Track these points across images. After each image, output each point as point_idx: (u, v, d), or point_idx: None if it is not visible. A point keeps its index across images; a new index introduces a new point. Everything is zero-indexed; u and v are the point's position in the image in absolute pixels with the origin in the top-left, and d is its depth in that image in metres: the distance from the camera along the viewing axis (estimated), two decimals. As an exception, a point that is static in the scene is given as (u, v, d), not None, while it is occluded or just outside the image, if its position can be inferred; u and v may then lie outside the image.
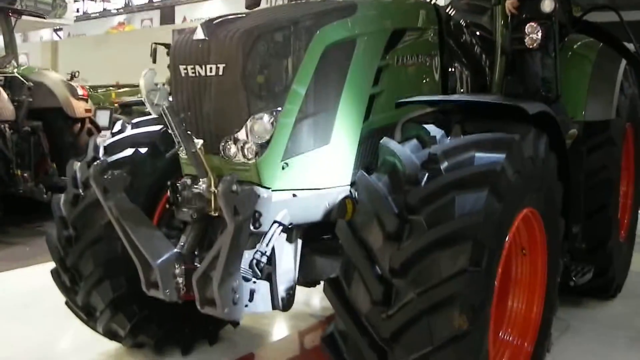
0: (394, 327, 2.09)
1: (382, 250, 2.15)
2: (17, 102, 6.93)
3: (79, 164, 3.25)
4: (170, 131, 2.65)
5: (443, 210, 2.15)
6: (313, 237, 2.85)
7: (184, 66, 2.65)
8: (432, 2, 3.56)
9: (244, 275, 2.54)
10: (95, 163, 2.82)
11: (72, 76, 7.86)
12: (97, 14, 33.10)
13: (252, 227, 2.51)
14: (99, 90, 12.02)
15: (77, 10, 28.72)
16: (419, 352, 2.07)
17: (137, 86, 9.74)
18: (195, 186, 2.67)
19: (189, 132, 2.58)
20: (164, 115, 2.57)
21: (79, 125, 7.58)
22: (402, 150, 2.36)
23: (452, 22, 3.70)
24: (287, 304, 2.70)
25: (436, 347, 2.06)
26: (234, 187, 2.37)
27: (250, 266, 2.58)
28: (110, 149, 3.22)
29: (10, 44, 8.14)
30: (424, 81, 3.34)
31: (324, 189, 2.72)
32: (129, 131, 3.36)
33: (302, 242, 2.78)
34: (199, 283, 2.52)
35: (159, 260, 2.66)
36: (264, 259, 2.59)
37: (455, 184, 2.20)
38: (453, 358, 2.09)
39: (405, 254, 2.11)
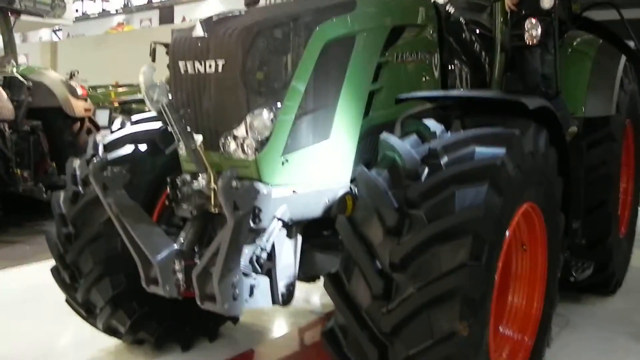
0: (394, 321, 2.09)
1: (382, 244, 2.15)
2: (16, 102, 6.93)
3: (78, 161, 3.25)
4: (169, 128, 2.65)
5: (443, 204, 2.15)
6: (313, 233, 2.85)
7: (183, 63, 2.65)
8: (432, 0, 3.56)
9: (244, 270, 2.53)
10: (94, 160, 2.82)
11: (72, 75, 7.86)
12: (96, 15, 33.10)
13: (251, 223, 2.51)
14: (98, 90, 12.02)
15: (77, 11, 28.71)
16: (419, 346, 2.08)
17: (137, 86, 9.76)
18: (194, 183, 2.67)
19: (188, 129, 2.58)
20: (163, 111, 2.57)
21: (78, 124, 7.58)
22: (402, 145, 2.36)
23: (451, 19, 3.70)
24: (287, 299, 2.69)
25: (436, 341, 2.06)
26: (234, 183, 2.37)
27: (250, 262, 2.57)
28: (109, 147, 3.22)
29: (9, 44, 8.14)
30: (424, 78, 3.34)
31: (324, 185, 2.72)
32: (129, 129, 3.36)
33: (302, 238, 2.78)
34: (199, 279, 2.52)
35: (159, 257, 2.65)
36: (264, 255, 2.59)
37: (455, 179, 2.20)
38: (453, 352, 2.09)
39: (406, 248, 2.11)
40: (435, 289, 2.06)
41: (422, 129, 2.52)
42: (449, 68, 3.51)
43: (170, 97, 2.62)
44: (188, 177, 2.73)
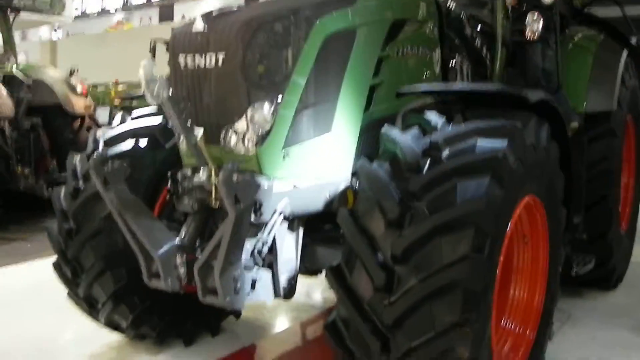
0: (396, 313, 2.09)
1: (383, 237, 2.15)
2: (16, 99, 6.94)
3: (78, 156, 3.25)
4: (170, 122, 2.65)
5: (444, 197, 2.14)
6: (314, 227, 2.85)
7: (183, 57, 2.65)
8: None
9: (246, 264, 2.53)
10: (95, 154, 2.82)
11: (72, 73, 7.86)
12: (96, 13, 33.08)
13: (253, 217, 2.50)
14: (98, 88, 12.02)
15: (76, 9, 28.70)
16: (421, 338, 2.07)
17: (137, 84, 9.74)
18: (195, 177, 2.66)
19: (189, 123, 2.58)
20: (163, 105, 2.56)
21: (78, 121, 7.59)
22: (403, 138, 2.35)
23: (452, 15, 3.70)
24: (288, 293, 2.69)
25: (438, 333, 2.06)
26: (235, 176, 2.37)
27: (252, 255, 2.57)
28: (110, 142, 3.22)
29: (8, 41, 8.15)
30: (425, 73, 3.34)
31: (325, 179, 2.72)
32: (129, 124, 3.36)
33: (304, 232, 2.78)
34: (200, 272, 2.52)
35: (160, 251, 2.65)
36: (265, 249, 2.59)
37: (457, 171, 2.19)
38: (455, 344, 2.09)
39: (407, 240, 2.10)
40: (437, 281, 2.05)
41: (424, 122, 2.51)
42: (450, 64, 3.51)
43: (170, 92, 2.61)
44: (189, 172, 2.72)
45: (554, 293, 2.93)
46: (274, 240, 2.62)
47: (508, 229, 2.36)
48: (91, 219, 3.11)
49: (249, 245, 2.55)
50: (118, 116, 3.51)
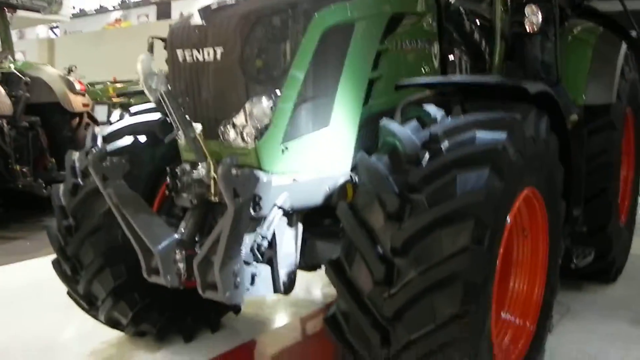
0: (396, 306, 2.08)
1: (383, 230, 2.15)
2: (14, 98, 6.92)
3: (77, 153, 3.24)
4: (168, 116, 2.64)
5: (444, 189, 2.14)
6: (314, 222, 2.84)
7: (181, 52, 2.64)
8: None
9: (245, 259, 2.53)
10: (93, 151, 2.81)
11: (69, 71, 7.84)
12: (94, 11, 33.03)
13: (252, 211, 2.50)
14: (96, 87, 12.00)
15: (74, 8, 28.63)
16: (421, 331, 2.07)
17: (135, 81, 9.73)
18: (194, 172, 2.66)
19: (187, 117, 2.57)
20: (162, 100, 2.56)
21: (77, 119, 7.57)
22: (403, 131, 2.34)
23: (451, 8, 3.68)
24: (288, 287, 2.69)
25: (438, 326, 2.06)
26: (234, 170, 2.36)
27: (251, 250, 2.57)
28: (108, 138, 3.21)
29: (6, 40, 8.12)
30: (423, 67, 3.32)
31: (324, 172, 2.71)
32: (127, 120, 3.35)
33: (303, 227, 2.77)
34: (200, 267, 2.51)
35: (160, 246, 2.65)
36: (265, 243, 2.59)
37: (456, 163, 2.19)
38: (455, 336, 2.08)
39: (407, 233, 2.10)
40: (436, 273, 2.05)
41: (423, 114, 2.51)
42: (449, 57, 3.50)
43: (168, 86, 2.60)
44: (188, 167, 2.72)
45: (554, 285, 2.93)
46: (273, 234, 2.61)
47: (508, 221, 2.35)
48: (90, 216, 3.10)
49: (248, 239, 2.55)
50: (116, 113, 3.50)
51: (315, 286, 4.42)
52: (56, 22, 19.75)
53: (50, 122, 7.29)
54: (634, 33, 4.73)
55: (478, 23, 3.92)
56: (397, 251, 2.10)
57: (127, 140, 3.18)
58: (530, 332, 2.79)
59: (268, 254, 2.61)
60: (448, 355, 2.10)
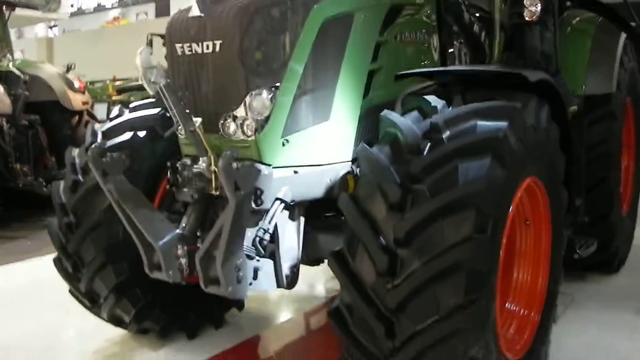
0: (400, 297, 2.07)
1: (385, 220, 2.13)
2: (13, 96, 6.90)
3: (77, 150, 3.23)
4: (168, 110, 2.62)
5: (446, 178, 2.12)
6: (315, 214, 2.83)
7: (180, 44, 2.63)
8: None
9: (248, 253, 2.52)
10: (93, 146, 2.80)
11: (69, 69, 7.82)
12: (92, 9, 32.97)
13: (253, 205, 2.49)
14: (96, 85, 11.99)
15: (72, 6, 28.57)
16: (425, 322, 2.05)
17: (134, 79, 9.71)
18: (195, 166, 2.64)
19: (187, 111, 2.56)
20: (161, 93, 2.54)
21: (76, 117, 7.56)
22: (403, 121, 2.33)
23: (450, 0, 3.67)
24: (291, 281, 2.68)
25: (442, 316, 2.05)
26: (234, 164, 2.35)
27: (254, 244, 2.56)
28: (108, 134, 3.19)
29: (4, 38, 8.11)
30: (423, 59, 3.31)
31: (325, 165, 2.70)
32: (127, 115, 3.34)
33: (305, 220, 2.76)
34: (202, 262, 2.50)
35: (161, 242, 2.64)
36: (267, 237, 2.58)
37: (458, 152, 2.17)
38: (460, 327, 2.07)
39: (409, 223, 2.08)
40: (440, 263, 2.04)
41: (423, 105, 2.49)
42: (448, 49, 3.48)
43: (168, 79, 2.59)
44: (188, 161, 2.71)
45: (557, 275, 2.92)
46: (275, 228, 2.60)
47: (510, 211, 2.34)
48: (91, 212, 3.08)
49: (250, 233, 2.55)
50: (116, 109, 3.49)
51: (318, 281, 4.42)
52: (54, 20, 19.69)
53: (49, 120, 7.28)
54: (633, 24, 4.70)
55: (477, 13, 3.91)
56: (400, 242, 2.09)
57: (126, 135, 3.16)
58: (535, 322, 2.78)
59: (270, 248, 2.60)
60: (453, 345, 2.09)
